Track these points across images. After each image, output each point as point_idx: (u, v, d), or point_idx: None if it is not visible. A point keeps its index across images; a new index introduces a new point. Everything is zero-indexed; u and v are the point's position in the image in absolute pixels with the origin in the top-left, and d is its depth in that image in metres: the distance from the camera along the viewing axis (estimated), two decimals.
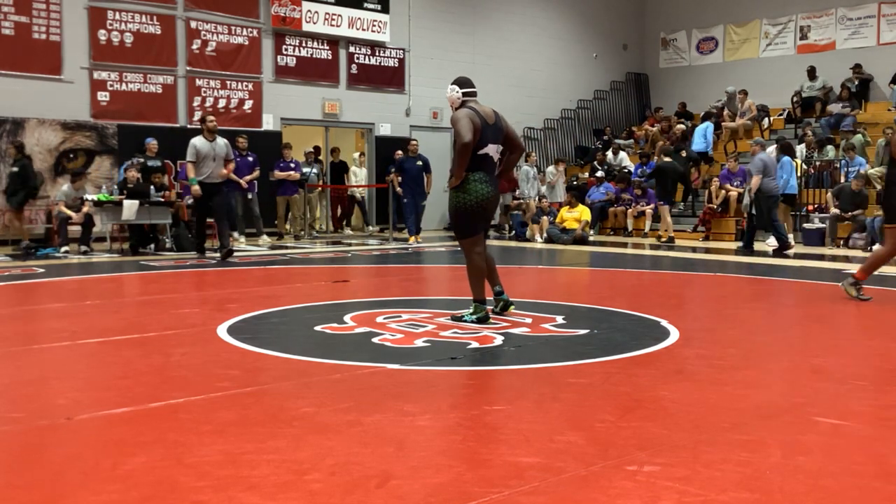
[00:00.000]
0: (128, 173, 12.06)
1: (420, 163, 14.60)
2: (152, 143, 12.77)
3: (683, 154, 16.17)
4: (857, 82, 17.15)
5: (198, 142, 10.30)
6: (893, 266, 9.92)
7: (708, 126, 16.33)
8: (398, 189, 14.53)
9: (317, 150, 16.44)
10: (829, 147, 14.93)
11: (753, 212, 11.91)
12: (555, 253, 12.37)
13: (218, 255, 10.34)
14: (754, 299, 7.39)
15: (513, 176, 15.78)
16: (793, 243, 12.18)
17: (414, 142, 14.87)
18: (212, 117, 10.63)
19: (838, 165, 14.32)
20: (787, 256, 11.30)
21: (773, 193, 11.90)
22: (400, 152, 15.20)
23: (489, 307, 5.68)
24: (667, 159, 15.20)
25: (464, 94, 5.57)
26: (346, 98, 16.24)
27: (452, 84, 5.64)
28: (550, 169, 16.31)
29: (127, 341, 5.05)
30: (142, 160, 12.57)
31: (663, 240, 14.13)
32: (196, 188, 10.25)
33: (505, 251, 12.48)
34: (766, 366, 4.49)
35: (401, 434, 3.12)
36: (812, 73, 17.57)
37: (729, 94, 17.82)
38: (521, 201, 15.30)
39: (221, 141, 10.52)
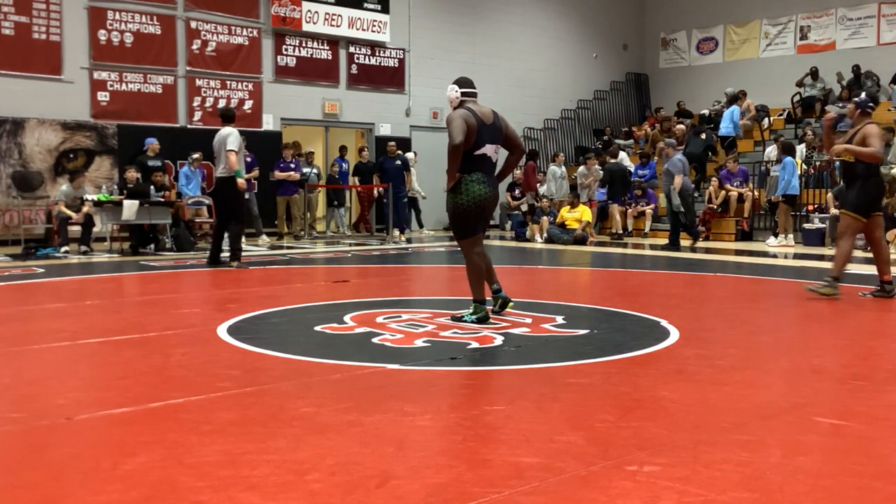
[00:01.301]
0: (128, 174, 12.08)
1: (399, 162, 14.71)
2: (154, 143, 12.78)
3: (703, 137, 16.34)
4: (859, 77, 17.13)
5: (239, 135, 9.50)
6: (893, 266, 9.91)
7: (734, 109, 16.13)
8: (374, 191, 14.70)
9: (342, 149, 16.29)
10: None
11: (682, 209, 12.88)
12: (555, 253, 12.37)
13: (209, 256, 9.79)
14: (754, 299, 7.39)
15: (533, 180, 15.78)
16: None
17: (392, 143, 14.96)
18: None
19: (836, 165, 14.32)
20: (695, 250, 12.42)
21: (689, 191, 12.92)
22: (400, 151, 15.27)
23: (489, 307, 5.68)
24: (612, 161, 15.48)
25: (463, 95, 5.56)
26: (346, 98, 16.24)
27: (453, 84, 5.64)
28: (582, 170, 15.70)
29: (127, 341, 5.05)
30: (195, 156, 12.94)
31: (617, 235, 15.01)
32: (242, 181, 9.56)
33: (505, 251, 12.48)
34: (766, 366, 4.48)
35: (401, 434, 3.12)
36: (815, 74, 17.57)
37: (728, 94, 17.83)
38: (549, 201, 15.16)
39: None
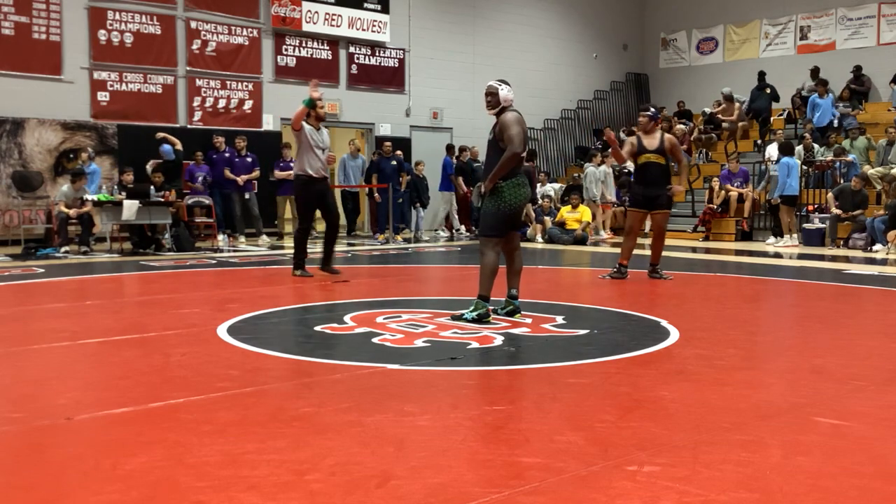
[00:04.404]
0: (125, 176, 12.10)
1: (394, 162, 14.65)
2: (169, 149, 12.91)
3: (767, 91, 17.19)
4: (859, 78, 17.16)
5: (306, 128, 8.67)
6: (893, 266, 9.92)
7: (814, 97, 16.07)
8: (376, 195, 14.62)
9: (449, 148, 15.72)
10: (837, 146, 14.91)
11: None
12: (555, 253, 12.37)
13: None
14: (754, 299, 7.39)
15: (533, 181, 15.73)
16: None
17: (388, 143, 14.88)
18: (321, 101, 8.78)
19: (836, 165, 14.32)
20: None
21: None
22: (399, 152, 15.24)
23: (490, 307, 5.68)
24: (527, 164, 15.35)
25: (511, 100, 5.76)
26: (346, 98, 16.24)
27: (505, 83, 5.78)
28: (603, 168, 15.29)
29: (127, 341, 5.05)
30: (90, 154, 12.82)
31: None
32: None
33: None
34: (766, 366, 4.49)
35: (401, 434, 3.12)
36: (815, 74, 17.58)
37: (725, 94, 17.85)
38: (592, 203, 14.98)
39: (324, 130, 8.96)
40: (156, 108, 13.84)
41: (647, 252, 8.78)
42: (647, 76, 21.64)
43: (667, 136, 8.19)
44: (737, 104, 17.58)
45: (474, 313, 5.52)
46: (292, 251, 8.82)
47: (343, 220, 16.58)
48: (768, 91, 17.36)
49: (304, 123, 8.29)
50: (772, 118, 17.51)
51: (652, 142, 8.09)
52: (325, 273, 8.49)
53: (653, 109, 8.30)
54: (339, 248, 12.99)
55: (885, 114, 16.27)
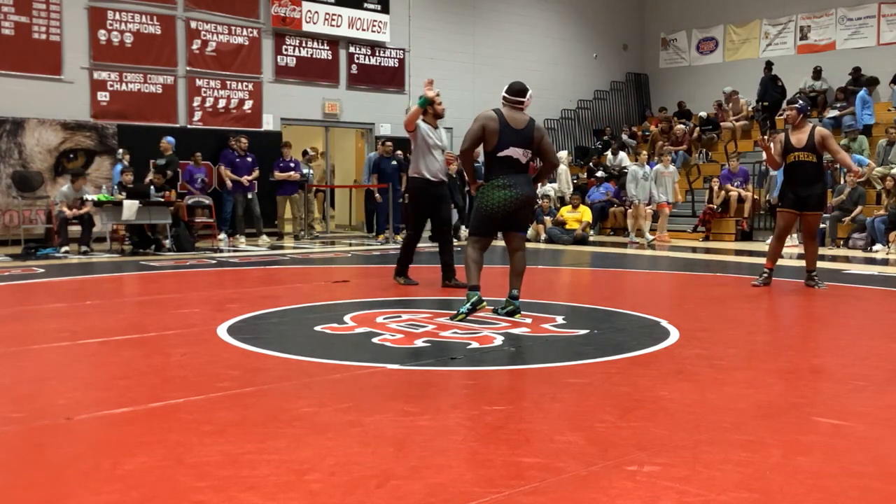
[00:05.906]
0: (124, 177, 12.08)
1: (395, 162, 14.59)
2: (165, 142, 12.94)
3: (779, 84, 17.11)
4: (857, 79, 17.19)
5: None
6: (893, 266, 9.93)
7: (862, 93, 15.84)
8: (376, 195, 14.55)
9: None
10: (842, 143, 14.91)
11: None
12: (555, 253, 12.37)
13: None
14: (754, 299, 7.38)
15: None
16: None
17: (388, 143, 14.81)
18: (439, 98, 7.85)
19: (838, 166, 14.31)
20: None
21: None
22: (400, 153, 15.22)
23: (489, 307, 5.69)
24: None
25: (503, 99, 5.72)
26: (346, 98, 16.24)
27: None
28: (659, 167, 14.77)
29: (127, 341, 5.04)
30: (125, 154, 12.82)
31: None
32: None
33: (505, 251, 12.45)
34: (766, 366, 4.48)
35: (401, 434, 3.12)
36: (818, 74, 17.59)
37: (727, 93, 17.87)
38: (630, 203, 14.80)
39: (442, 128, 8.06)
40: (156, 108, 13.85)
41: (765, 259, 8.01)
42: (647, 76, 21.65)
43: (818, 129, 7.54)
44: (742, 100, 17.55)
45: (468, 304, 5.58)
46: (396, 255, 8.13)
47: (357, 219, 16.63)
48: (779, 83, 17.31)
49: (419, 123, 7.59)
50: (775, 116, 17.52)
51: (801, 138, 7.47)
52: (451, 287, 7.53)
53: (801, 102, 7.63)
54: (340, 248, 12.99)
55: (885, 114, 16.26)
